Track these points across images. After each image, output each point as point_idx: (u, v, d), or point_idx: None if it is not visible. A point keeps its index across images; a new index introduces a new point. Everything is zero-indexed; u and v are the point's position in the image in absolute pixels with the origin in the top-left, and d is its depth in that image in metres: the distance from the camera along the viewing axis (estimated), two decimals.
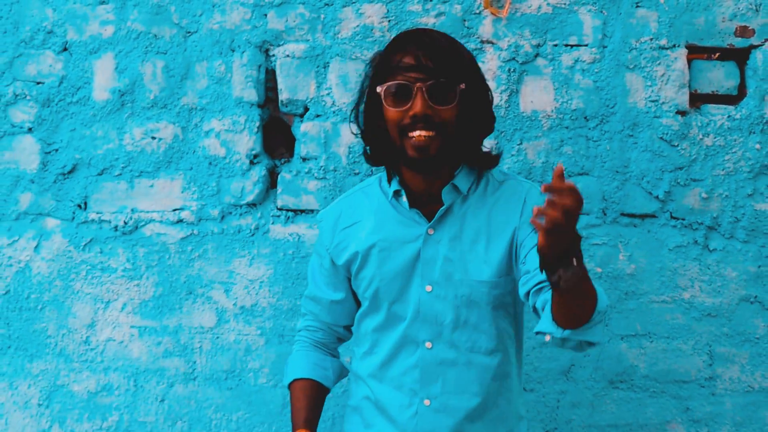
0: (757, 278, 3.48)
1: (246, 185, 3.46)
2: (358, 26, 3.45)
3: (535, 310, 2.29)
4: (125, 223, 3.47)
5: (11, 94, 3.47)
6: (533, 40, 3.46)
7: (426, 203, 2.41)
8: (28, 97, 3.47)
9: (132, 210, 3.48)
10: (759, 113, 3.47)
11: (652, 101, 3.45)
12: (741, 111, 3.48)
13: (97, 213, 3.48)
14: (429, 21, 3.42)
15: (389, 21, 3.43)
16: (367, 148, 2.48)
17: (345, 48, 3.44)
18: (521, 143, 3.45)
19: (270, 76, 3.50)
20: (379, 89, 2.31)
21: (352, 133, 2.60)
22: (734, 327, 3.49)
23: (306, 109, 3.47)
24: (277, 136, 3.54)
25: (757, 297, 3.48)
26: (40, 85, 3.47)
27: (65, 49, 3.47)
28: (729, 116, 3.47)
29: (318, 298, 2.60)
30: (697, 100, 3.50)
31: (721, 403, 3.49)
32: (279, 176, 3.49)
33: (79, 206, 3.49)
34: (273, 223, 3.47)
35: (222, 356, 3.46)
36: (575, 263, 1.97)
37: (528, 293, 2.30)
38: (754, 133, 3.47)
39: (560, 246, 1.92)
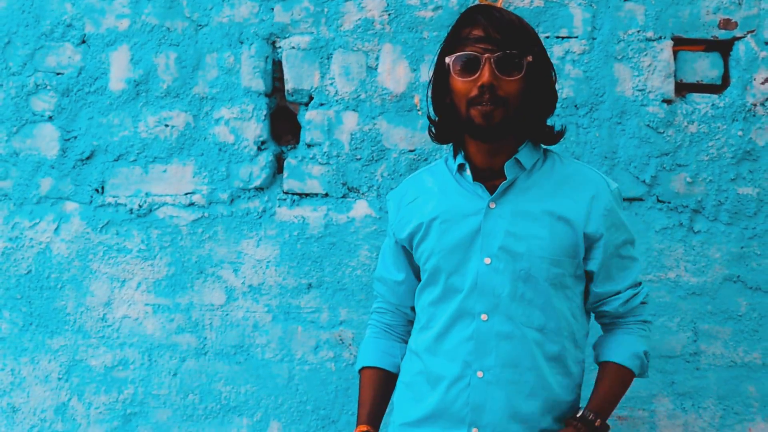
0: (740, 258, 3.62)
1: (254, 170, 3.62)
2: (359, 19, 3.60)
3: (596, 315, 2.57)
4: (140, 206, 3.64)
5: (32, 84, 3.64)
6: None
7: (489, 178, 2.40)
8: (48, 87, 3.64)
9: (146, 194, 3.64)
10: (741, 102, 3.60)
11: (639, 90, 3.59)
12: (724, 100, 3.62)
13: (114, 197, 3.65)
14: (427, 14, 3.58)
15: (389, 14, 3.59)
16: (432, 127, 2.48)
17: (347, 40, 3.60)
18: None
19: (277, 67, 3.64)
20: (447, 60, 2.31)
21: (427, 118, 2.56)
22: (717, 305, 3.62)
23: (311, 98, 3.62)
24: (283, 123, 3.69)
25: (739, 276, 3.61)
26: (60, 75, 3.64)
27: (83, 42, 3.64)
28: (713, 105, 3.61)
29: (384, 279, 2.61)
30: (683, 89, 3.64)
31: (704, 377, 3.62)
32: (285, 162, 3.64)
33: (97, 190, 3.65)
34: (279, 206, 3.62)
35: (231, 332, 3.63)
36: None
37: (596, 316, 2.58)
38: (736, 120, 3.61)
39: None
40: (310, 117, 3.62)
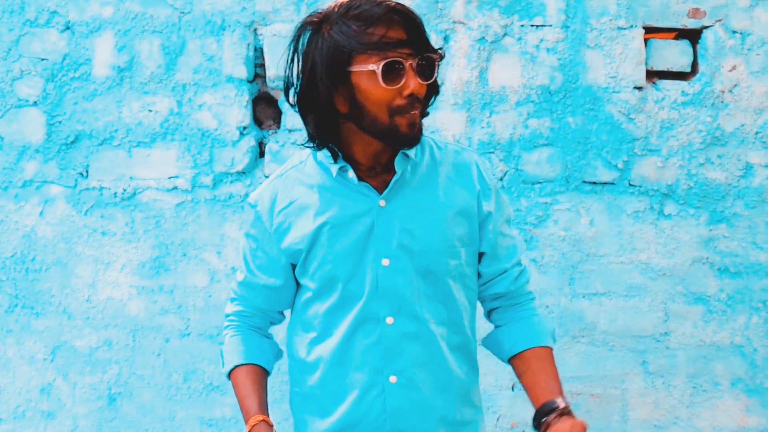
0: (709, 241, 3.75)
1: (236, 155, 3.71)
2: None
3: (486, 313, 2.43)
4: (124, 190, 3.72)
5: (17, 70, 3.72)
6: (501, 21, 3.71)
7: (374, 176, 2.25)
8: (33, 73, 3.72)
9: (130, 178, 3.73)
10: (710, 88, 3.74)
11: (611, 77, 3.72)
12: (693, 86, 3.75)
13: (98, 181, 3.73)
14: (406, 2, 3.68)
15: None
16: (310, 133, 2.24)
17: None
18: (490, 116, 3.71)
19: (258, 54, 3.74)
20: (372, 67, 2.08)
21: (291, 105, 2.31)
22: (687, 286, 3.75)
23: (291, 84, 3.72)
24: (265, 109, 3.79)
25: (708, 258, 3.75)
26: (45, 61, 3.71)
27: (68, 28, 3.72)
28: (682, 91, 3.74)
29: (252, 284, 2.38)
30: (653, 76, 3.77)
31: (674, 356, 3.75)
32: (267, 146, 3.73)
33: (81, 174, 3.73)
34: None
35: (214, 313, 3.71)
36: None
37: (481, 298, 2.39)
38: (705, 106, 3.74)
39: None
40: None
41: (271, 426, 2.26)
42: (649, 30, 3.75)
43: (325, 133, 2.20)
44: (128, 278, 3.73)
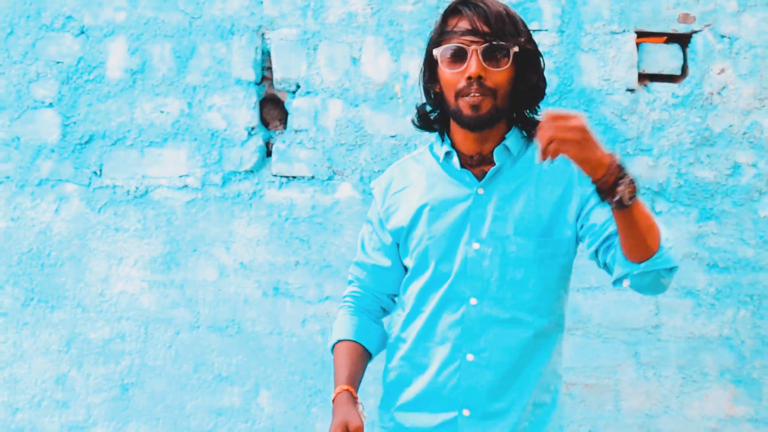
0: (698, 237, 3.87)
1: (244, 154, 3.84)
2: (343, 13, 3.83)
3: (605, 266, 2.30)
4: (136, 188, 3.85)
5: (34, 72, 3.85)
6: None
7: (476, 164, 2.39)
8: (49, 76, 3.85)
9: (142, 176, 3.86)
10: (699, 91, 3.86)
11: (605, 80, 3.84)
12: (684, 89, 3.87)
13: (111, 179, 3.86)
14: (407, 8, 3.81)
15: (371, 8, 3.82)
16: (417, 114, 2.48)
17: (332, 32, 3.82)
18: None
19: (266, 57, 3.86)
20: (435, 52, 2.32)
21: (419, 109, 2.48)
22: (677, 281, 3.85)
23: (298, 87, 3.84)
24: (272, 110, 3.91)
25: (697, 254, 3.87)
26: (60, 64, 3.85)
27: (82, 33, 3.85)
28: (673, 93, 3.87)
29: (365, 265, 2.55)
30: (645, 78, 3.89)
31: (665, 348, 3.86)
32: (274, 146, 3.85)
33: (95, 173, 3.86)
34: (268, 188, 3.83)
35: (223, 307, 3.84)
36: (627, 177, 2.05)
37: (597, 252, 2.31)
38: (695, 108, 3.86)
39: (593, 157, 2.00)
40: (297, 104, 3.84)
41: (356, 399, 2.38)
42: (641, 34, 3.87)
43: (431, 118, 2.44)
44: (140, 273, 3.85)
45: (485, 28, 2.25)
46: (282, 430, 3.83)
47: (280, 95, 3.90)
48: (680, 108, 3.88)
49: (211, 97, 3.84)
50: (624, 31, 3.85)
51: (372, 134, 3.85)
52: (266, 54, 3.87)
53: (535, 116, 2.40)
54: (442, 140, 2.43)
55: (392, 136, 3.84)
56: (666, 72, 3.91)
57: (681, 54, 3.92)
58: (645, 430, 3.86)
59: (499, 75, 2.27)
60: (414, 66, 3.80)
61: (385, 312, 2.61)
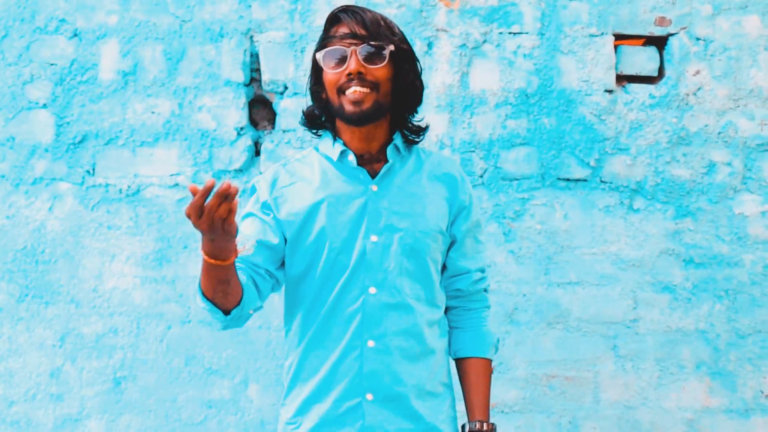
0: (675, 234, 3.95)
1: (234, 154, 3.91)
2: None
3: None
4: (128, 186, 3.92)
5: (28, 74, 3.92)
6: (481, 29, 3.92)
7: (367, 163, 2.53)
8: (42, 77, 3.92)
9: (134, 175, 3.92)
10: (675, 92, 3.95)
11: (584, 81, 3.93)
12: (660, 90, 3.96)
13: (104, 178, 3.92)
14: (392, 11, 3.89)
15: None
16: (302, 118, 2.60)
17: (319, 35, 3.83)
18: (471, 117, 3.91)
19: (254, 60, 3.93)
20: (318, 55, 2.47)
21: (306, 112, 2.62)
22: (655, 276, 3.94)
23: (286, 88, 3.91)
24: (261, 110, 3.98)
25: (674, 250, 3.95)
26: (54, 66, 3.92)
27: (75, 35, 3.93)
28: (650, 94, 3.96)
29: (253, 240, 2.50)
30: (623, 80, 3.98)
31: (643, 341, 3.94)
32: (262, 146, 3.92)
33: (88, 172, 3.93)
34: None
35: None
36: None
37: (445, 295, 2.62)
38: (671, 108, 3.95)
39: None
40: (285, 105, 3.91)
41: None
42: (619, 37, 3.96)
43: (319, 121, 2.57)
44: (132, 269, 3.91)
45: (362, 32, 2.42)
46: (271, 422, 3.89)
47: (268, 96, 3.95)
48: (657, 108, 3.96)
49: (201, 98, 3.91)
50: (602, 33, 3.93)
51: None
52: (255, 56, 3.94)
53: (414, 120, 2.57)
54: (334, 140, 2.54)
55: None
56: (643, 73, 3.99)
57: (658, 56, 4.00)
58: (623, 421, 3.93)
59: (379, 71, 2.42)
60: None
61: (257, 288, 2.49)
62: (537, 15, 3.94)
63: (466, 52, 3.94)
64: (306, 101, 3.78)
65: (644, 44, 4.01)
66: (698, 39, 3.98)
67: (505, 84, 3.93)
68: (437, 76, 3.93)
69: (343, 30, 2.45)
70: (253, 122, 3.99)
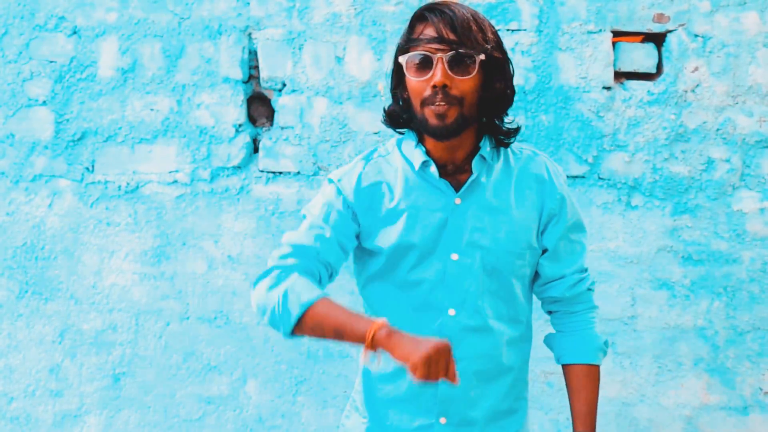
0: (673, 231, 3.99)
1: (232, 151, 3.96)
2: (328, 13, 3.94)
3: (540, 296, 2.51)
4: (127, 183, 3.98)
5: (28, 71, 3.99)
6: None
7: (451, 173, 2.38)
8: (42, 74, 3.98)
9: (133, 172, 3.98)
10: (674, 88, 3.99)
11: (582, 78, 3.97)
12: (658, 87, 3.99)
13: (103, 175, 3.99)
14: (390, 9, 3.93)
15: (355, 9, 3.94)
16: (383, 116, 2.45)
17: (317, 32, 3.94)
18: None
19: (253, 57, 3.98)
20: (401, 59, 2.30)
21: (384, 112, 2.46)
22: (653, 273, 3.98)
23: (284, 85, 3.96)
24: (259, 107, 4.03)
25: (672, 247, 3.99)
26: (53, 63, 3.98)
27: (75, 33, 3.99)
28: (648, 91, 3.99)
29: (323, 237, 2.35)
30: (621, 77, 4.02)
31: (641, 338, 3.98)
32: (261, 143, 3.97)
33: (87, 169, 3.99)
34: (256, 183, 3.96)
35: (212, 298, 3.96)
36: None
37: (542, 301, 2.52)
38: (669, 105, 3.99)
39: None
40: (283, 102, 3.96)
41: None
42: (617, 34, 3.99)
43: (402, 121, 2.40)
44: (131, 266, 3.98)
45: (451, 36, 2.24)
46: (269, 418, 3.95)
47: (267, 93, 4.00)
48: (655, 105, 3.99)
49: (200, 95, 3.96)
50: (600, 30, 3.97)
51: (356, 131, 3.96)
52: (253, 53, 3.98)
53: (505, 123, 2.39)
54: (417, 143, 2.39)
55: (375, 133, 3.96)
56: (641, 70, 4.03)
57: (656, 53, 4.03)
58: (622, 417, 3.98)
59: (465, 83, 2.25)
60: None
61: (321, 284, 2.38)
62: (535, 12, 3.98)
63: None
64: (303, 99, 3.93)
65: (642, 41, 4.04)
66: (696, 36, 4.01)
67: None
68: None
69: (429, 32, 2.27)
70: (252, 119, 4.04)
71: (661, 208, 4.00)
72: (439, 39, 2.24)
